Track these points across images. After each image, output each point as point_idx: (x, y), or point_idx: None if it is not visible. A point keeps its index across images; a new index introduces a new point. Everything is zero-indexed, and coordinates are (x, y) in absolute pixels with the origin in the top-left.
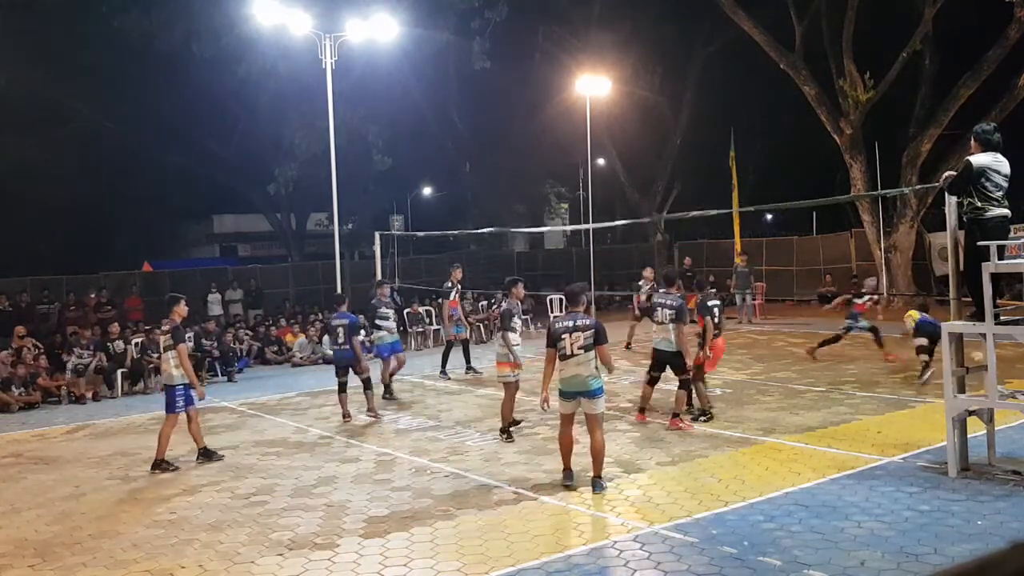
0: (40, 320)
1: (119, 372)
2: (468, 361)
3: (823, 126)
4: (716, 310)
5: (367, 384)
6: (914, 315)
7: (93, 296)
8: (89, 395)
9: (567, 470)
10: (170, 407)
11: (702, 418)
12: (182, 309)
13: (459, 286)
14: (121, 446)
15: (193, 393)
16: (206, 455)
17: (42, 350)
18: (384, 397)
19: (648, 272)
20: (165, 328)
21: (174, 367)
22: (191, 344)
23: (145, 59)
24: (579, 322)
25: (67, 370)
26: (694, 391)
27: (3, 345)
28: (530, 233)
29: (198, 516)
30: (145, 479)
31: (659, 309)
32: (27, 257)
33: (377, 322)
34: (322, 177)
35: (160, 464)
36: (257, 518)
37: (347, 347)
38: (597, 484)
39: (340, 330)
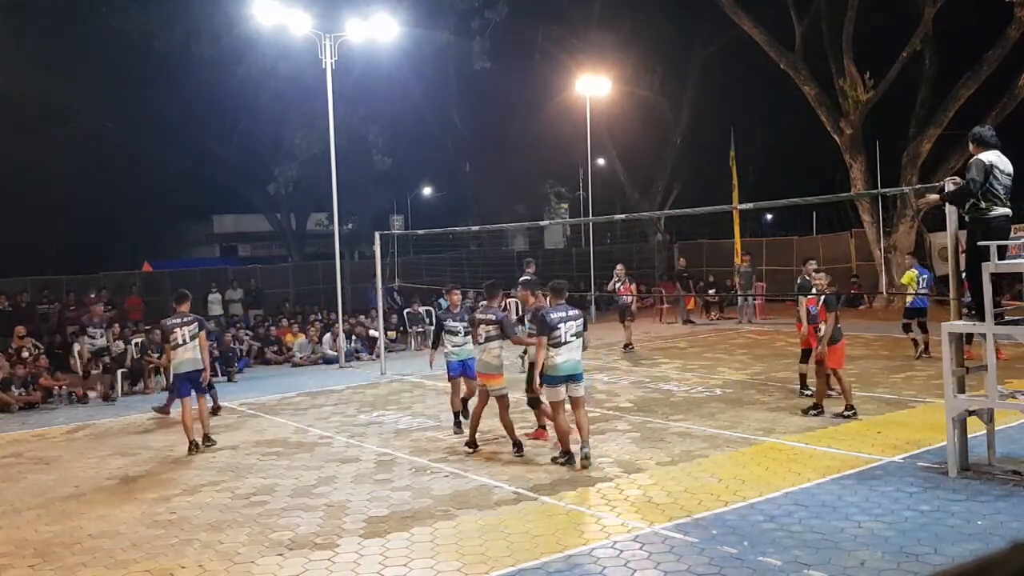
0: (40, 320)
1: (119, 372)
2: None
3: (823, 126)
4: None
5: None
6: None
7: (93, 296)
8: (95, 393)
9: (568, 453)
10: (200, 389)
11: (813, 412)
12: (188, 304)
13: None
14: (121, 446)
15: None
16: (208, 441)
17: (42, 350)
18: (455, 429)
19: (620, 268)
20: (187, 319)
21: (198, 353)
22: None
23: (145, 59)
24: (570, 312)
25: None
26: (827, 384)
27: (3, 345)
28: (530, 232)
29: (198, 516)
30: (145, 479)
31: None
32: (27, 257)
33: (444, 336)
34: (322, 177)
35: (208, 439)
36: (257, 518)
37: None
38: (585, 452)
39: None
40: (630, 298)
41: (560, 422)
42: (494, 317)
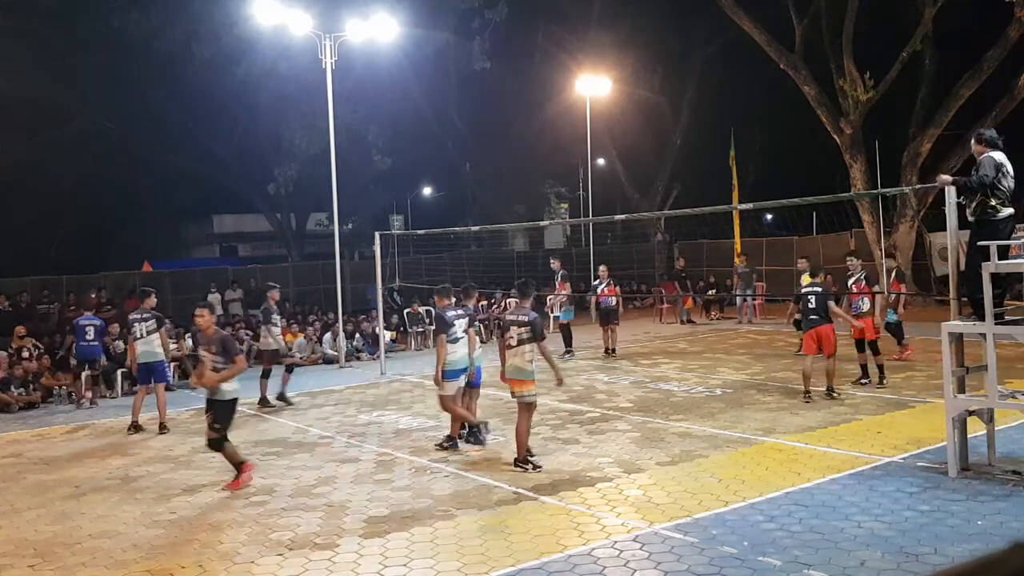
0: (40, 320)
1: (119, 372)
2: (568, 344)
3: (823, 126)
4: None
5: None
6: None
7: (93, 296)
8: (88, 396)
9: (455, 439)
10: (162, 377)
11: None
12: (152, 301)
13: (563, 272)
14: (121, 446)
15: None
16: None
17: (42, 350)
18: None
19: (603, 269)
20: (146, 315)
21: (153, 347)
22: (189, 343)
23: (145, 59)
24: (459, 311)
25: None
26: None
27: (3, 345)
28: (530, 232)
29: (198, 516)
30: (145, 479)
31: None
32: (27, 257)
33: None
34: (322, 177)
35: (163, 427)
36: (257, 518)
37: (96, 343)
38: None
39: (91, 329)
40: (615, 300)
41: (458, 410)
42: (526, 318)
